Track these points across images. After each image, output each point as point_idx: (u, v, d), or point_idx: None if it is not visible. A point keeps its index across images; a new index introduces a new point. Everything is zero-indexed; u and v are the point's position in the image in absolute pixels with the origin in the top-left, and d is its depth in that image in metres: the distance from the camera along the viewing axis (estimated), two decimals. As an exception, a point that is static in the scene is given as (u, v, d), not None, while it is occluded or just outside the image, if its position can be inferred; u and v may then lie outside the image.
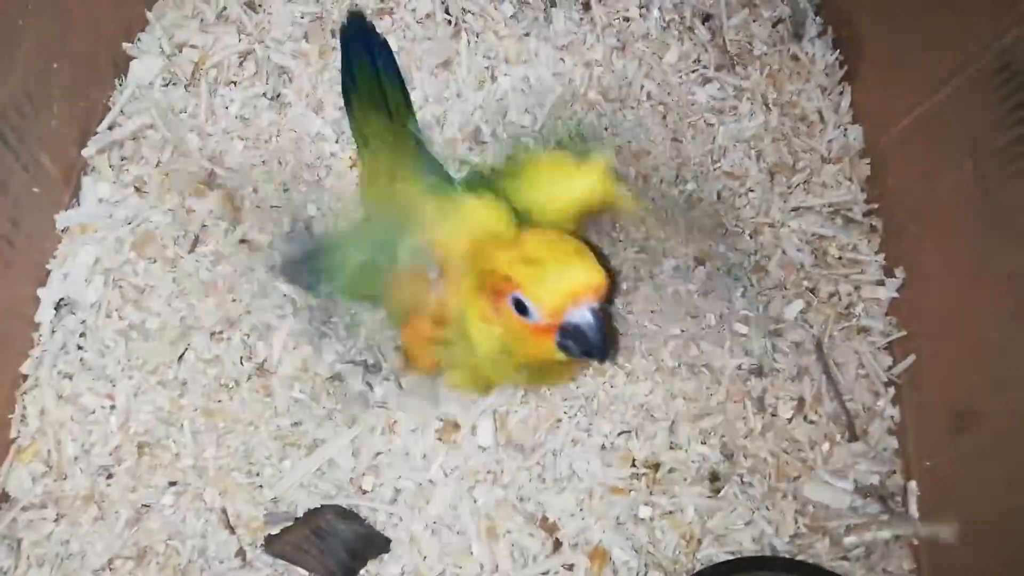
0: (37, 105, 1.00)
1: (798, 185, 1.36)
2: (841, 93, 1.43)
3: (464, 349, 0.90)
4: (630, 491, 1.13)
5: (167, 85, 1.23)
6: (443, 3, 1.38)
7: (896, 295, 1.28)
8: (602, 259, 0.84)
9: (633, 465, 1.15)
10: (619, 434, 1.17)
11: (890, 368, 1.25)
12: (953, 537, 1.09)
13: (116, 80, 1.21)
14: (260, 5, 1.31)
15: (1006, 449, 1.04)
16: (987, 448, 1.08)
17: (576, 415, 1.16)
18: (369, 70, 1.13)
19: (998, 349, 1.08)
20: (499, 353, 0.88)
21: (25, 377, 1.07)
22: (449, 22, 1.37)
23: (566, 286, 0.80)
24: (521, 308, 0.82)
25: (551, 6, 1.43)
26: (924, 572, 1.13)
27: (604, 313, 0.81)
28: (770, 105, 1.42)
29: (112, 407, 1.07)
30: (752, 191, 1.35)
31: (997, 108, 1.12)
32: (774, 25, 1.48)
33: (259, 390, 1.12)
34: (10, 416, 1.04)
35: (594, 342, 0.81)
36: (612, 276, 0.82)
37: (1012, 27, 1.09)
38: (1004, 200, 1.09)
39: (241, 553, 1.05)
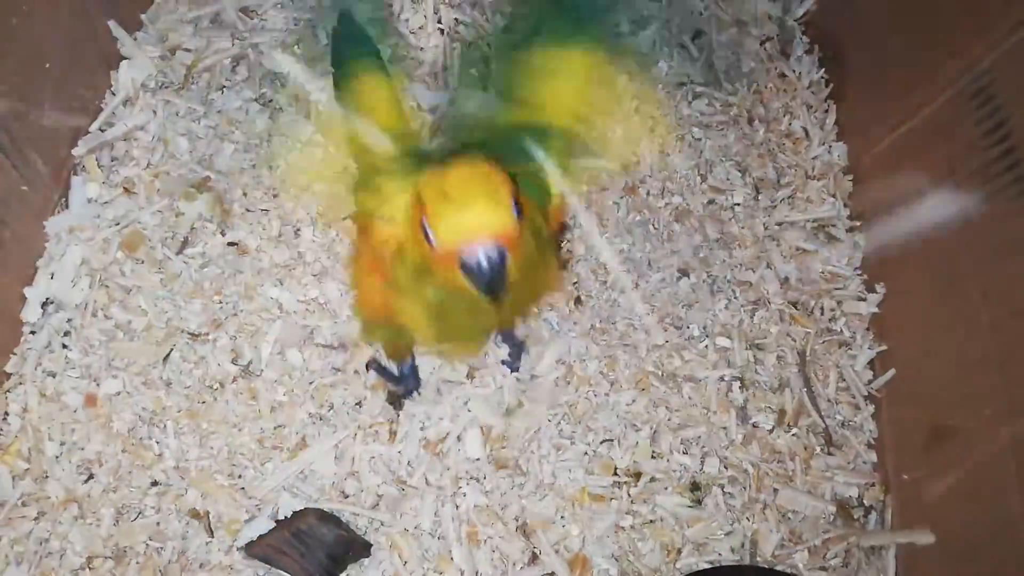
0: (29, 104, 1.00)
1: (783, 200, 1.38)
2: (826, 111, 1.46)
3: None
4: (611, 499, 1.14)
5: (160, 88, 1.24)
6: (436, 14, 1.40)
7: (877, 310, 1.30)
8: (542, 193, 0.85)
9: (615, 474, 1.16)
10: (601, 442, 1.18)
11: (870, 382, 1.27)
12: (930, 539, 1.11)
13: (109, 81, 1.22)
14: (255, 10, 1.32)
15: (977, 464, 1.06)
16: (960, 463, 1.09)
17: (559, 423, 1.17)
18: (361, 61, 1.10)
19: (973, 366, 1.10)
20: (415, 274, 0.87)
21: (9, 375, 1.06)
22: (441, 32, 1.38)
23: (461, 224, 0.79)
24: (425, 233, 0.81)
25: (543, 19, 1.45)
26: (901, 580, 1.14)
27: (500, 256, 0.81)
28: (757, 121, 1.44)
29: (95, 406, 1.07)
30: (738, 205, 1.37)
31: (973, 130, 1.14)
32: (762, 43, 1.51)
33: (244, 392, 1.12)
34: (-9, 413, 1.04)
35: (481, 282, 0.80)
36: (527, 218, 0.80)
37: (988, 53, 1.12)
38: (981, 219, 1.12)
39: (222, 555, 1.04)
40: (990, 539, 1.02)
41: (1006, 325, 1.05)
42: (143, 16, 1.27)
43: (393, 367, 1.14)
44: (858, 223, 1.37)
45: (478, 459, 1.12)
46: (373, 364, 1.13)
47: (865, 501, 1.20)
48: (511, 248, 0.79)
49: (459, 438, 1.13)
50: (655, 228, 1.33)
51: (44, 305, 1.09)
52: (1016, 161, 1.06)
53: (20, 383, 1.06)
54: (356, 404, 1.14)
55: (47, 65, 1.03)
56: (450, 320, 0.93)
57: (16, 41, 0.95)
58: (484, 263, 0.79)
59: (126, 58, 1.24)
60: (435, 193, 0.82)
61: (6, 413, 1.05)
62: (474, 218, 0.79)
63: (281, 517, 1.06)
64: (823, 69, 1.49)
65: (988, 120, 1.12)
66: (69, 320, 1.10)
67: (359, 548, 1.07)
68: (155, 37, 1.26)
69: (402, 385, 1.14)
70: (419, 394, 1.15)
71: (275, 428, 1.12)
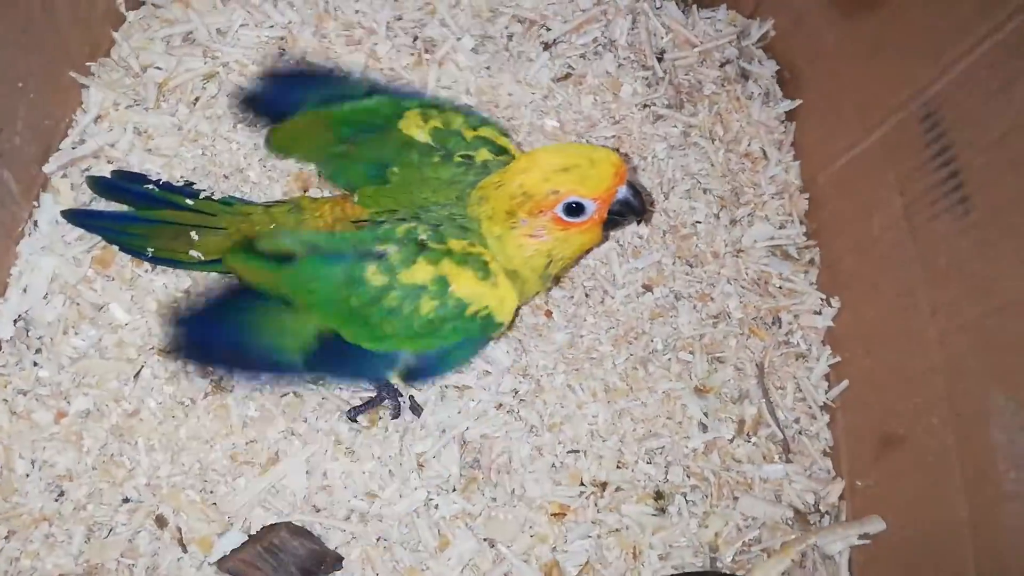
0: (2, 122, 1.01)
1: (742, 218, 1.43)
2: (784, 132, 1.52)
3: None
4: (579, 509, 1.17)
5: (131, 106, 1.24)
6: (410, 33, 1.43)
7: (832, 324, 1.35)
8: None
9: (581, 484, 1.19)
10: (568, 452, 1.21)
11: (826, 393, 1.32)
12: (881, 525, 1.16)
13: (80, 99, 1.22)
14: (226, 29, 1.34)
15: (924, 470, 1.11)
16: (908, 469, 1.15)
17: (528, 436, 1.20)
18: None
19: (921, 377, 1.15)
20: (545, 268, 1.02)
21: (-22, 393, 1.06)
22: (412, 53, 1.41)
23: (608, 171, 0.96)
24: (575, 211, 0.96)
25: (509, 40, 1.49)
26: (855, 584, 1.19)
27: (634, 178, 1.01)
28: (717, 141, 1.49)
29: (66, 424, 1.07)
30: (699, 223, 1.42)
31: (922, 153, 1.20)
32: (721, 66, 1.56)
33: (215, 409, 1.13)
34: (-40, 432, 1.03)
35: (639, 206, 1.01)
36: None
37: (935, 80, 1.19)
38: (928, 237, 1.18)
39: (194, 570, 1.05)
40: (938, 540, 1.07)
41: (953, 339, 1.10)
42: (116, 34, 1.27)
43: (371, 394, 1.17)
44: (813, 242, 1.43)
45: (451, 472, 1.14)
46: (352, 413, 1.15)
47: (821, 507, 1.25)
48: None
49: (435, 453, 1.15)
50: (620, 245, 1.37)
51: (15, 322, 1.09)
52: (961, 183, 1.12)
53: (-11, 401, 1.06)
54: (327, 419, 1.16)
55: (20, 84, 1.03)
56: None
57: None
58: (633, 192, 0.99)
59: (97, 76, 1.24)
60: (553, 174, 0.95)
61: (-25, 431, 1.05)
62: (606, 164, 0.96)
63: (253, 532, 1.07)
64: (780, 92, 1.55)
65: (935, 143, 1.18)
66: (40, 337, 1.10)
67: (331, 561, 1.08)
68: (128, 55, 1.26)
69: (389, 400, 1.16)
70: (408, 397, 1.18)
71: (247, 443, 1.13)
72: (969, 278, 1.10)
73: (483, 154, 1.07)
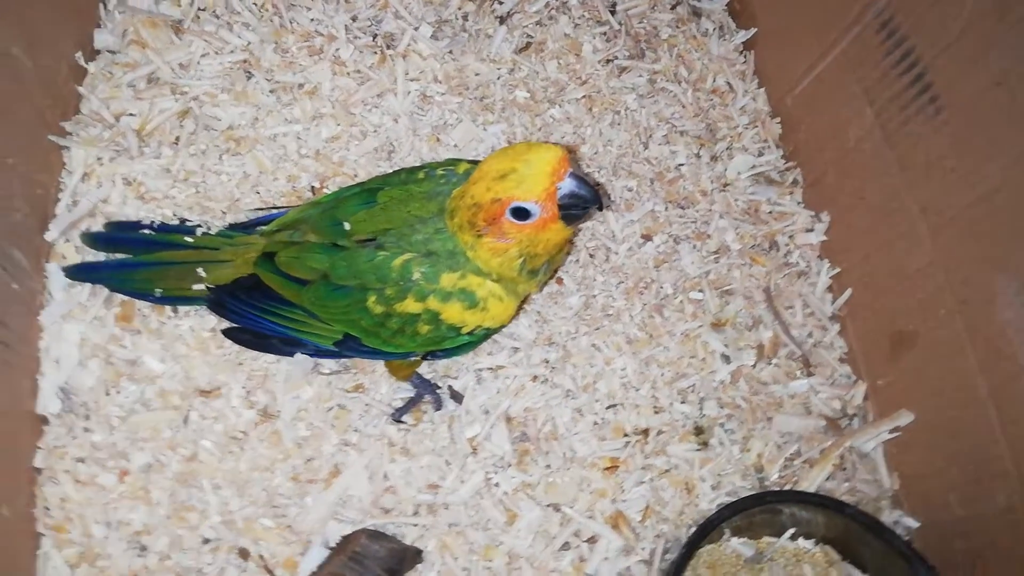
0: (3, 202, 1.00)
1: (722, 153, 1.48)
2: (744, 63, 1.56)
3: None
4: (628, 459, 1.23)
5: (114, 158, 1.24)
6: (368, 32, 1.43)
7: (825, 238, 1.42)
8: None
9: (625, 435, 1.25)
10: (606, 408, 1.26)
11: (832, 304, 1.39)
12: (910, 417, 1.24)
13: (62, 160, 1.21)
14: (188, 63, 1.32)
15: (940, 358, 1.19)
16: (925, 361, 1.23)
17: (567, 400, 1.25)
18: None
19: (920, 273, 1.22)
20: (522, 269, 1.02)
21: (40, 470, 1.07)
22: (374, 52, 1.41)
23: (542, 171, 0.94)
24: (521, 214, 0.95)
25: (465, 21, 1.50)
26: (892, 471, 1.27)
27: (579, 170, 0.94)
28: (683, 83, 1.53)
29: (131, 482, 1.09)
30: (682, 165, 1.46)
31: (883, 63, 1.26)
32: (673, 7, 1.59)
33: (268, 436, 1.16)
34: (33, 511, 1.04)
35: (588, 195, 0.96)
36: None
37: (885, -9, 1.23)
38: (905, 140, 1.24)
39: (285, 592, 1.09)
40: (964, 420, 1.15)
41: (945, 232, 1.17)
42: (80, 89, 1.25)
43: (412, 392, 1.21)
44: (793, 162, 1.48)
45: (504, 449, 1.19)
46: (396, 415, 1.20)
47: (848, 411, 1.33)
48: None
49: (485, 435, 1.19)
50: (613, 201, 1.41)
51: (57, 393, 1.10)
52: (928, 84, 1.18)
53: (52, 476, 1.07)
54: (375, 425, 1.19)
55: (9, 161, 1.02)
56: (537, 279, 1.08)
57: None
58: (580, 184, 0.94)
59: (72, 134, 1.23)
60: (492, 183, 0.95)
61: (47, 507, 1.06)
62: (540, 163, 0.94)
63: (333, 544, 1.11)
64: (734, 23, 1.59)
65: (896, 50, 1.23)
66: (84, 403, 1.11)
67: (412, 557, 1.13)
68: (99, 107, 1.25)
69: (428, 395, 1.21)
70: (446, 388, 1.23)
71: (306, 462, 1.16)
72: (950, 173, 1.16)
73: (463, 165, 1.09)
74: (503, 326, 1.11)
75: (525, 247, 0.99)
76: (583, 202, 0.96)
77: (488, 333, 1.10)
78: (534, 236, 0.97)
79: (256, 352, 1.19)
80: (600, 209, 0.98)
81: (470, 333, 1.07)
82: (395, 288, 1.02)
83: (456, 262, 1.02)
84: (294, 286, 1.08)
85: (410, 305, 1.03)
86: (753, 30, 1.56)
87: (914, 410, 1.24)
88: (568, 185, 0.94)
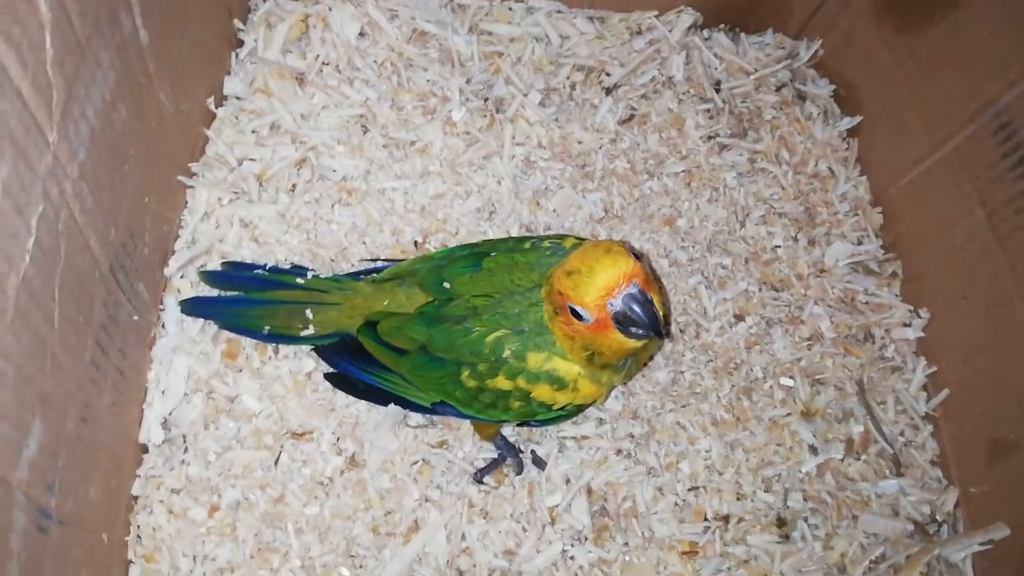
0: (135, 239, 1.06)
1: (820, 238, 1.47)
2: (847, 149, 1.55)
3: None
4: (707, 545, 1.21)
5: (233, 200, 1.29)
6: (480, 95, 1.48)
7: (923, 334, 1.39)
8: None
9: (705, 519, 1.23)
10: (688, 490, 1.25)
11: (927, 403, 1.35)
12: (1006, 531, 1.18)
13: (185, 199, 1.27)
14: (308, 114, 1.39)
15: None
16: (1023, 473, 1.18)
17: (649, 478, 1.24)
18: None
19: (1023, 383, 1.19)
20: (589, 360, 1.01)
21: (136, 497, 1.11)
22: (484, 115, 1.45)
23: (598, 282, 0.92)
24: (576, 314, 0.95)
25: (572, 90, 1.53)
26: (982, 590, 1.22)
27: (641, 293, 0.91)
28: (784, 165, 1.53)
29: (220, 517, 1.12)
30: (779, 247, 1.46)
31: (999, 164, 1.24)
32: (778, 89, 1.60)
33: (353, 485, 1.17)
34: (127, 539, 1.08)
35: (639, 319, 0.92)
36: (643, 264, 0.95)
37: (1005, 92, 1.22)
38: (1019, 246, 1.21)
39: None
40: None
41: (1056, 345, 1.14)
42: (208, 132, 1.32)
43: (495, 453, 1.22)
44: (893, 254, 1.46)
45: (583, 523, 1.18)
46: (478, 476, 1.21)
47: (938, 517, 1.28)
48: (646, 285, 0.93)
49: (565, 506, 1.19)
50: (706, 278, 1.41)
51: (162, 425, 1.14)
52: (1046, 192, 1.16)
53: (147, 505, 1.11)
54: (457, 483, 1.20)
55: (146, 199, 1.08)
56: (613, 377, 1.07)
57: (128, 181, 1.00)
58: (633, 304, 0.92)
59: (198, 175, 1.29)
60: (563, 275, 0.95)
61: (139, 535, 1.09)
62: (600, 273, 0.92)
63: (407, 601, 1.12)
64: (839, 109, 1.59)
65: (1013, 154, 1.21)
66: (184, 436, 1.15)
67: (484, 621, 1.12)
68: (225, 151, 1.31)
69: (511, 458, 1.21)
70: (529, 452, 1.24)
71: (386, 515, 1.17)
72: (1066, 285, 1.13)
73: (570, 240, 1.11)
74: (596, 402, 1.12)
75: (588, 343, 0.98)
76: (633, 324, 0.93)
77: (580, 408, 1.11)
78: (592, 337, 0.97)
79: (350, 399, 1.21)
80: (660, 338, 0.95)
81: (562, 408, 1.08)
82: (487, 364, 1.04)
83: (543, 340, 1.03)
84: (393, 355, 1.11)
85: (501, 382, 1.05)
86: (859, 117, 1.56)
87: (1010, 523, 1.19)
88: (620, 303, 0.92)
